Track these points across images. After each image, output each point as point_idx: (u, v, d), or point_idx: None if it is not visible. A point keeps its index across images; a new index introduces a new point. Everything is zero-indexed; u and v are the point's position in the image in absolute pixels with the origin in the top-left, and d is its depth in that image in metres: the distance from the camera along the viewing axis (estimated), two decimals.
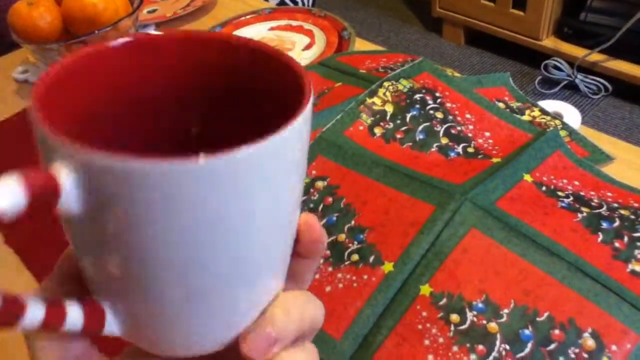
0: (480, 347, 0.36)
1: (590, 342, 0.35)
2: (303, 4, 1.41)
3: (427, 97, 0.56)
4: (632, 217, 0.43)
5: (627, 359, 0.35)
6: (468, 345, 0.36)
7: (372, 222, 0.44)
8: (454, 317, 0.37)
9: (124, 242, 0.17)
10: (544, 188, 0.46)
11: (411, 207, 0.44)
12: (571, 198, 0.46)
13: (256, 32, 0.84)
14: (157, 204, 0.16)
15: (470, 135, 0.54)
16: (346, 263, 0.43)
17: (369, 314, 0.39)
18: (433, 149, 0.52)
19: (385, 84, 0.56)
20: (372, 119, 0.54)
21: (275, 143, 0.17)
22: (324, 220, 0.46)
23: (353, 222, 0.45)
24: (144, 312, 0.19)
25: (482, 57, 1.86)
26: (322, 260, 0.44)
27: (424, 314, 0.38)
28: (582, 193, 0.47)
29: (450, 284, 0.39)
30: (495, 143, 0.53)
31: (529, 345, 0.36)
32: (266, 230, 0.19)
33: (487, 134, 0.54)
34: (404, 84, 0.57)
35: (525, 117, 0.57)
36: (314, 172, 0.50)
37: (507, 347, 0.36)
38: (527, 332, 0.36)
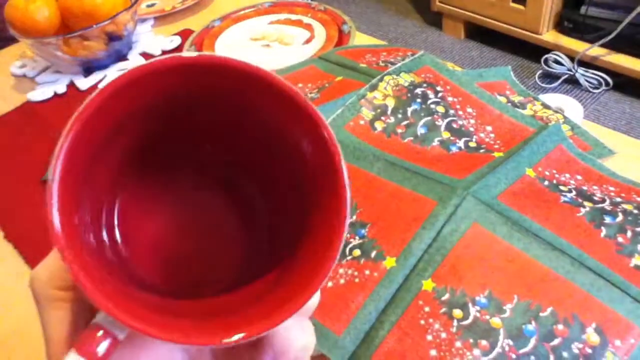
0: (484, 342, 0.36)
1: (593, 337, 0.35)
2: None
3: (429, 91, 0.55)
4: (636, 211, 0.43)
5: (631, 354, 0.34)
6: (471, 340, 0.36)
7: (374, 217, 0.44)
8: (457, 312, 0.37)
9: None
10: (546, 182, 0.46)
11: (413, 202, 0.44)
12: (574, 192, 0.45)
13: (255, 25, 0.84)
14: None
15: (471, 129, 0.53)
16: (348, 258, 0.42)
17: (371, 310, 0.39)
18: (434, 144, 0.51)
19: (386, 78, 0.56)
20: (373, 113, 0.54)
21: None
22: None
23: (354, 217, 0.45)
24: None
25: (482, 51, 1.85)
26: None
27: (427, 309, 0.38)
28: (584, 187, 0.47)
29: (452, 279, 0.39)
30: (497, 137, 0.53)
31: (532, 340, 0.35)
32: None
33: (489, 128, 0.54)
34: (405, 78, 0.56)
35: (527, 111, 0.57)
36: None
37: (511, 342, 0.35)
38: (530, 327, 0.36)
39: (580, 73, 1.56)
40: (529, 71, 1.71)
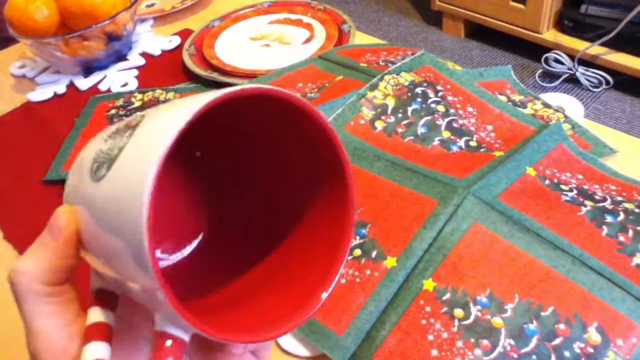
0: (485, 342, 0.36)
1: (595, 337, 0.35)
2: None
3: (429, 91, 0.55)
4: (637, 210, 0.43)
5: (633, 354, 0.34)
6: (472, 340, 0.36)
7: (374, 216, 0.44)
8: (458, 312, 0.37)
9: None
10: (547, 181, 0.46)
11: (413, 202, 0.44)
12: (575, 191, 0.45)
13: (255, 25, 0.83)
14: None
15: (472, 128, 0.53)
16: (348, 258, 0.42)
17: (372, 309, 0.39)
18: (435, 143, 0.51)
19: (387, 77, 0.56)
20: (374, 112, 0.53)
21: None
22: None
23: (355, 217, 0.44)
24: None
25: (483, 50, 1.85)
26: None
27: (428, 308, 0.38)
28: (585, 186, 0.47)
29: (453, 278, 0.39)
30: (497, 136, 0.53)
31: (534, 340, 0.35)
32: None
33: (490, 127, 0.54)
34: (406, 77, 0.56)
35: (528, 110, 0.57)
36: None
37: (512, 342, 0.35)
38: (531, 326, 0.36)
39: (581, 72, 1.56)
40: (529, 70, 1.71)
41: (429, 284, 0.39)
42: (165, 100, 0.69)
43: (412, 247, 0.41)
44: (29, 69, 0.84)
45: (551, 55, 1.58)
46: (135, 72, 0.79)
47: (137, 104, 0.70)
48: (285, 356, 0.41)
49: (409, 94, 0.54)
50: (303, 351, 0.40)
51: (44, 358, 0.22)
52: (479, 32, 1.88)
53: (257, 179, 0.28)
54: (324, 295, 0.22)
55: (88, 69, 0.80)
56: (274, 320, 0.22)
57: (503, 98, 0.58)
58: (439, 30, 1.98)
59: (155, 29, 0.89)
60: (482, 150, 0.50)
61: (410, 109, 0.53)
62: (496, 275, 0.38)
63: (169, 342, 0.20)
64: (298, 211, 0.26)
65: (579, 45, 1.55)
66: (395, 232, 0.42)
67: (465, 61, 1.81)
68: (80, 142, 0.66)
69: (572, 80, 1.59)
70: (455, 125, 0.53)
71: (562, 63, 1.57)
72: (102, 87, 0.77)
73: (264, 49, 0.78)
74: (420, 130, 0.52)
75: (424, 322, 0.37)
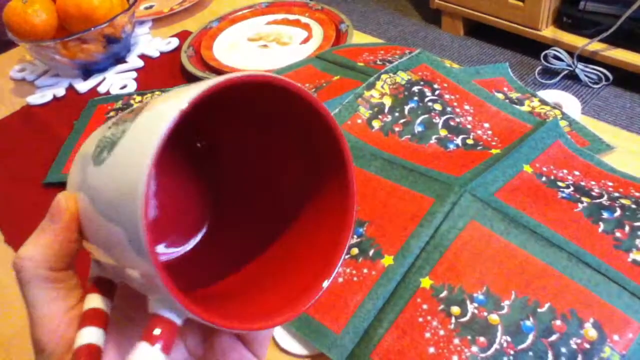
0: (482, 339, 0.36)
1: (591, 333, 0.35)
2: None
3: (426, 89, 0.55)
4: (634, 206, 0.43)
5: (629, 349, 0.34)
6: (469, 337, 0.36)
7: (372, 215, 0.44)
8: (455, 310, 0.37)
9: None
10: (544, 178, 0.46)
11: (410, 200, 0.44)
12: (572, 188, 0.45)
13: (253, 26, 0.84)
14: None
15: (469, 126, 0.53)
16: (346, 257, 0.42)
17: (369, 308, 0.39)
18: (432, 141, 0.51)
19: (383, 76, 0.56)
20: (371, 111, 0.54)
21: None
22: None
23: (356, 206, 0.45)
24: None
25: (482, 48, 1.85)
26: None
27: (425, 306, 0.38)
28: (582, 183, 0.47)
29: (450, 276, 0.39)
30: (494, 134, 0.53)
31: (531, 336, 0.35)
32: None
33: (487, 125, 0.54)
34: (402, 76, 0.56)
35: (525, 108, 0.57)
36: None
37: (509, 338, 0.36)
38: (528, 323, 0.36)
39: (580, 68, 1.55)
40: (528, 67, 1.71)
41: (426, 282, 0.39)
42: None
43: (409, 246, 0.41)
44: (29, 73, 0.84)
45: (550, 52, 1.58)
46: (134, 74, 0.79)
47: (136, 106, 0.70)
48: (284, 355, 0.41)
49: (406, 93, 0.55)
50: (301, 350, 0.40)
51: (45, 343, 0.23)
52: (478, 30, 1.88)
53: (259, 169, 0.28)
54: (325, 283, 0.22)
55: (87, 72, 0.80)
56: (272, 310, 0.22)
57: (500, 96, 0.58)
58: (438, 29, 1.98)
59: (153, 31, 0.90)
60: (479, 148, 0.50)
61: (407, 108, 0.54)
62: (493, 272, 0.38)
63: (160, 325, 0.20)
64: (300, 201, 0.26)
65: (578, 41, 1.55)
66: (393, 231, 0.42)
67: (464, 59, 1.82)
68: (80, 144, 0.66)
69: (572, 76, 1.59)
70: (452, 123, 0.53)
71: (561, 60, 1.57)
72: (101, 89, 0.77)
73: (261, 50, 0.78)
74: (417, 128, 0.52)
75: (421, 320, 0.37)
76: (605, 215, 0.42)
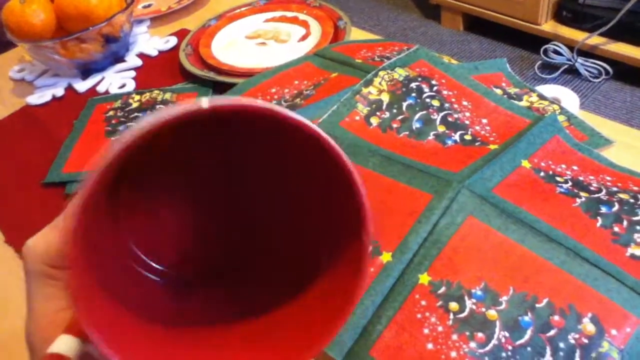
0: (480, 334, 0.36)
1: (590, 327, 0.35)
2: None
3: (424, 85, 0.55)
4: (632, 200, 0.43)
5: (627, 343, 0.34)
6: (467, 333, 0.36)
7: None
8: (453, 305, 0.37)
9: None
10: (542, 174, 0.46)
11: (408, 197, 0.44)
12: (570, 183, 0.45)
13: (251, 24, 0.84)
14: None
15: (467, 122, 0.53)
16: None
17: (368, 305, 0.39)
18: (430, 137, 0.51)
19: (381, 73, 0.56)
20: (369, 108, 0.54)
21: None
22: None
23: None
24: None
25: (482, 43, 1.84)
26: None
27: (423, 302, 0.38)
28: (581, 178, 0.47)
29: (448, 272, 0.39)
30: (492, 130, 0.53)
31: (529, 331, 0.35)
32: None
33: (485, 120, 0.54)
34: (400, 73, 0.56)
35: (523, 103, 0.57)
36: None
37: (507, 334, 0.36)
38: (526, 318, 0.36)
39: (580, 63, 1.55)
40: (528, 62, 1.70)
41: (424, 278, 0.39)
42: (163, 101, 0.69)
43: (407, 242, 0.41)
44: (28, 73, 0.84)
45: (550, 46, 1.58)
46: (133, 73, 0.80)
47: (135, 105, 0.70)
48: None
49: (404, 89, 0.55)
50: None
51: (35, 339, 0.23)
52: (477, 25, 1.88)
53: (276, 211, 0.27)
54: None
55: (86, 71, 0.80)
56: None
57: (498, 91, 0.58)
58: (437, 24, 1.97)
59: (152, 30, 0.90)
60: (477, 143, 0.50)
61: (405, 104, 0.54)
62: (491, 268, 0.38)
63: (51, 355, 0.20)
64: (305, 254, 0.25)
65: (578, 35, 1.54)
66: (391, 227, 0.42)
67: (464, 54, 1.81)
68: (79, 144, 0.66)
69: (572, 71, 1.59)
70: (450, 119, 0.53)
71: (561, 54, 1.57)
72: (100, 88, 0.77)
73: (260, 47, 0.78)
74: (415, 125, 0.52)
75: (419, 316, 0.37)
76: (603, 209, 0.42)
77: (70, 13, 0.75)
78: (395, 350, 0.37)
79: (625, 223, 0.41)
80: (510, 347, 0.35)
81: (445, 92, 0.55)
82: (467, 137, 0.51)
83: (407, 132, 0.52)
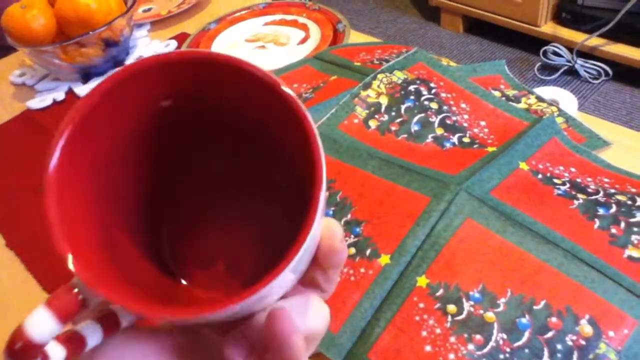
0: (478, 336, 0.36)
1: (587, 329, 0.35)
2: None
3: (422, 88, 0.55)
4: (629, 202, 0.43)
5: (625, 344, 0.35)
6: (465, 335, 0.36)
7: (368, 215, 0.44)
8: (451, 308, 0.38)
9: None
10: (540, 176, 0.46)
11: (407, 199, 0.44)
12: (567, 185, 0.45)
13: (251, 27, 0.84)
14: None
15: (465, 125, 0.53)
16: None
17: (366, 307, 0.39)
18: (428, 140, 0.51)
19: (380, 76, 0.56)
20: (367, 111, 0.54)
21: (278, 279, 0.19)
22: None
23: (349, 216, 0.45)
24: None
25: (481, 44, 1.85)
26: None
27: (421, 305, 0.38)
28: (578, 180, 0.47)
29: (446, 274, 0.39)
30: (491, 132, 0.53)
31: (526, 333, 0.36)
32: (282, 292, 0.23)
33: (483, 123, 0.54)
34: (399, 76, 0.57)
35: (522, 105, 0.57)
36: None
37: (505, 336, 0.36)
38: (524, 320, 0.36)
39: (580, 64, 1.55)
40: (528, 63, 1.70)
41: (422, 281, 0.39)
42: None
43: (406, 245, 0.41)
44: (29, 77, 0.85)
45: (550, 48, 1.58)
46: None
47: None
48: None
49: (402, 92, 0.55)
50: None
51: None
52: (477, 27, 1.88)
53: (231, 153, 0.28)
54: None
55: (86, 75, 0.81)
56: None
57: (497, 93, 0.58)
58: (437, 26, 1.98)
59: (152, 34, 0.90)
60: (475, 146, 0.51)
61: (403, 107, 0.54)
62: (488, 270, 0.39)
63: (63, 296, 0.20)
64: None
65: (577, 37, 1.54)
66: (389, 230, 0.43)
67: (464, 56, 1.81)
68: None
69: (572, 72, 1.59)
70: (448, 121, 0.53)
71: (561, 55, 1.57)
72: None
73: (259, 51, 0.78)
74: (414, 127, 0.52)
75: (417, 318, 0.38)
76: (601, 211, 0.42)
77: (71, 18, 0.75)
78: (393, 353, 0.37)
79: (622, 225, 0.41)
80: (508, 349, 0.35)
81: (443, 95, 0.56)
82: (466, 140, 0.51)
83: (405, 135, 0.52)
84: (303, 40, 0.78)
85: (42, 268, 0.53)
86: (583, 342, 0.35)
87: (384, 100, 0.54)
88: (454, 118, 0.54)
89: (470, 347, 0.36)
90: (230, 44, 0.81)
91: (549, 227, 0.40)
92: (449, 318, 0.37)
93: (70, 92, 0.79)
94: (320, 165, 0.21)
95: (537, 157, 0.48)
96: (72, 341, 0.21)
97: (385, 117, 0.53)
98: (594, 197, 0.44)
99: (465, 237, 0.41)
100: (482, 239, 0.40)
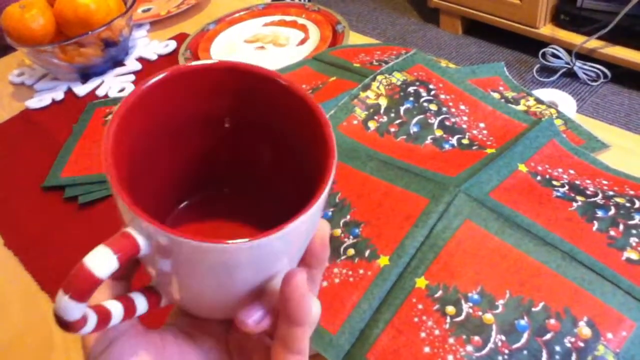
0: (476, 338, 0.36)
1: (585, 331, 0.35)
2: None
3: (421, 90, 0.55)
4: (628, 204, 0.43)
5: (623, 346, 0.35)
6: (464, 336, 0.36)
7: (367, 216, 0.44)
8: (450, 309, 0.38)
9: (176, 275, 0.24)
10: (538, 178, 0.46)
11: (406, 200, 0.44)
12: (566, 187, 0.46)
13: (250, 28, 0.84)
14: (199, 265, 0.22)
15: (464, 126, 0.53)
16: (342, 258, 0.43)
17: (365, 308, 0.39)
18: (427, 142, 0.51)
19: (379, 77, 0.56)
20: (366, 112, 0.54)
21: (290, 229, 0.21)
22: None
23: (348, 217, 0.45)
24: (184, 300, 0.26)
25: (480, 46, 1.85)
26: None
27: (420, 306, 0.38)
28: (577, 182, 0.47)
29: (445, 275, 0.39)
30: (489, 134, 0.53)
31: (525, 335, 0.36)
32: (283, 268, 0.24)
33: (482, 124, 0.54)
34: (398, 77, 0.57)
35: (520, 107, 0.57)
36: None
37: (503, 337, 0.36)
38: (522, 322, 0.36)
39: (578, 66, 1.56)
40: (527, 65, 1.71)
41: (421, 282, 0.39)
42: None
43: (405, 246, 0.41)
44: (28, 77, 0.85)
45: (548, 50, 1.58)
46: (132, 77, 0.80)
47: None
48: None
49: (401, 94, 0.55)
50: None
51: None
52: (476, 29, 1.88)
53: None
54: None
55: (85, 75, 0.81)
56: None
57: (496, 95, 0.58)
58: (436, 28, 1.98)
59: (151, 34, 0.90)
60: (474, 148, 0.51)
61: (402, 109, 0.54)
62: (487, 271, 0.39)
63: (124, 239, 0.21)
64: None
65: (576, 39, 1.55)
66: (388, 231, 0.43)
67: (463, 58, 1.82)
68: (78, 148, 0.67)
69: (570, 74, 1.59)
70: (447, 123, 0.53)
71: (559, 57, 1.58)
72: (100, 92, 0.78)
73: (258, 52, 0.78)
74: (413, 129, 0.52)
75: (416, 319, 0.38)
76: (599, 213, 0.42)
77: (70, 18, 0.75)
78: (392, 354, 0.37)
79: (621, 227, 0.41)
80: (506, 351, 0.35)
81: (442, 96, 0.56)
82: (465, 141, 0.52)
83: (404, 136, 0.52)
84: (302, 41, 0.78)
85: (42, 268, 0.53)
86: (581, 344, 0.35)
87: (383, 102, 0.55)
88: (453, 120, 0.54)
89: (469, 348, 0.36)
90: (229, 44, 0.81)
91: (547, 229, 0.41)
92: (448, 319, 0.37)
93: (69, 92, 0.79)
94: (333, 152, 0.24)
95: (536, 159, 0.48)
96: (127, 303, 0.23)
97: (385, 119, 0.53)
98: (592, 199, 0.44)
99: (464, 238, 0.41)
100: (480, 241, 0.40)
